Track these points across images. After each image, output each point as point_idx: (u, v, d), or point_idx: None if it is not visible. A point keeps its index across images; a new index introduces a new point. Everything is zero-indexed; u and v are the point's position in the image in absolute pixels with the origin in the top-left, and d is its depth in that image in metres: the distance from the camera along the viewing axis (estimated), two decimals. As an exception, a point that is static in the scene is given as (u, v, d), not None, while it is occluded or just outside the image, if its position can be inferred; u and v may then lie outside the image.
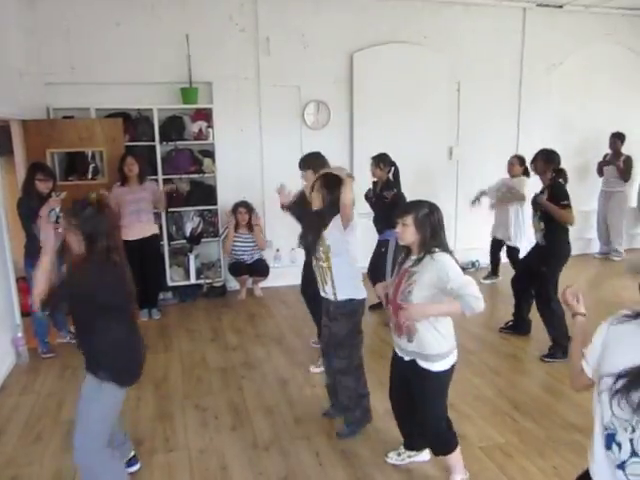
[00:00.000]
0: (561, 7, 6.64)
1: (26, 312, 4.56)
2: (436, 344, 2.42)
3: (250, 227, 5.74)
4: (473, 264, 6.81)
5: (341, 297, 3.01)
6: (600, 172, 7.17)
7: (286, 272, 6.04)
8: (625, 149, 7.00)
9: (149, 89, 5.55)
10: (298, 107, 6.03)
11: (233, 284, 6.02)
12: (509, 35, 6.65)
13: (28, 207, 4.09)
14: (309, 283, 3.53)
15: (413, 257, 2.46)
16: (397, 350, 2.61)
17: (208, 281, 5.92)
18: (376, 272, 4.74)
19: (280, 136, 6.01)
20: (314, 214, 3.11)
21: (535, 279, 4.23)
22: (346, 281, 3.03)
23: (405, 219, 2.42)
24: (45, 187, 4.14)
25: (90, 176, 5.33)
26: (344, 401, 3.13)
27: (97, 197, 2.34)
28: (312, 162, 3.94)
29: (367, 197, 5.05)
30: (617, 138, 6.94)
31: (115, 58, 5.37)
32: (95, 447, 2.37)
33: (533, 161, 4.37)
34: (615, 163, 6.95)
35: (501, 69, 6.68)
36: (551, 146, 6.87)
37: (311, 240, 3.10)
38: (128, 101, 5.46)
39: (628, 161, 6.94)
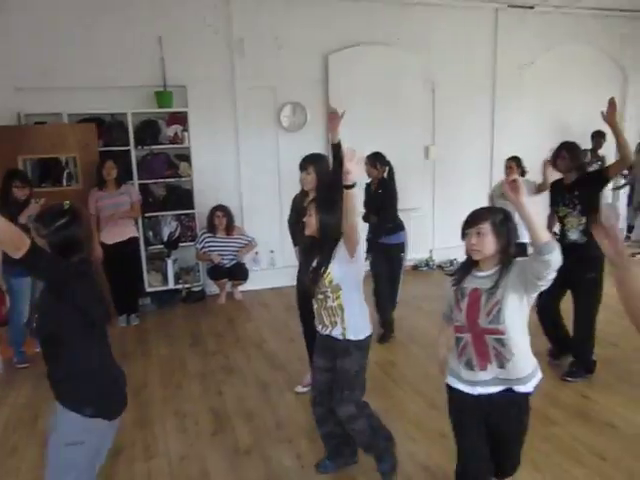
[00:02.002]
0: (532, 8, 6.74)
1: (1, 322, 4.48)
2: (529, 361, 2.19)
3: (228, 231, 5.71)
4: (451, 262, 6.86)
5: (352, 337, 2.56)
6: None
7: (265, 275, 6.04)
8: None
9: (123, 93, 5.49)
10: (274, 109, 6.02)
11: (212, 288, 5.98)
12: (481, 35, 6.73)
13: (6, 214, 4.01)
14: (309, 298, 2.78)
15: (484, 272, 2.14)
16: (465, 387, 2.21)
17: (187, 286, 5.87)
18: (385, 284, 4.51)
19: (256, 138, 6.00)
20: (310, 246, 2.66)
21: (562, 293, 3.77)
22: (359, 318, 2.59)
23: (481, 227, 2.10)
24: (22, 194, 4.09)
25: (64, 183, 5.25)
26: (364, 443, 2.69)
27: (71, 206, 2.14)
28: (316, 160, 3.54)
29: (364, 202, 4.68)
30: (601, 137, 7.05)
31: (87, 62, 5.30)
32: None
33: (557, 157, 3.78)
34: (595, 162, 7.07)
35: (475, 69, 6.76)
36: (525, 145, 7.04)
37: (311, 283, 2.58)
38: (101, 106, 5.40)
39: (603, 162, 7.11)
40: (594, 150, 7.16)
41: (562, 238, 3.66)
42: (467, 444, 2.23)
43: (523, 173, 5.31)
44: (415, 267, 6.77)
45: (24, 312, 4.24)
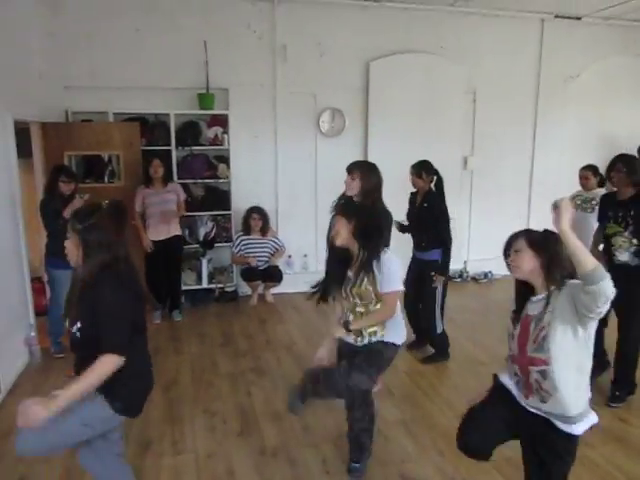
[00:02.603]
0: (579, 19, 6.61)
1: (40, 312, 4.62)
2: (579, 401, 2.02)
3: (263, 232, 5.76)
4: (486, 275, 6.77)
5: (386, 339, 2.66)
6: None
7: (298, 278, 6.05)
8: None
9: (166, 94, 5.61)
10: (313, 114, 6.05)
11: (245, 289, 6.04)
12: (526, 46, 6.62)
13: (51, 208, 4.16)
14: None
15: (536, 297, 2.06)
16: (514, 392, 2.16)
17: (220, 286, 5.94)
18: (419, 301, 4.30)
19: (295, 143, 6.04)
20: (344, 257, 2.71)
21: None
22: (393, 326, 2.70)
23: (517, 244, 2.07)
24: (68, 189, 4.22)
25: (107, 179, 5.39)
26: (358, 430, 2.78)
27: (109, 205, 2.19)
28: (363, 168, 3.62)
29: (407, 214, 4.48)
30: None
31: (134, 63, 5.44)
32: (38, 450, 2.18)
33: (611, 169, 3.51)
34: None
35: (518, 80, 6.66)
36: (568, 159, 6.88)
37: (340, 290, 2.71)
38: (145, 106, 5.53)
39: None
40: None
41: (609, 257, 3.46)
42: (480, 413, 2.22)
43: (602, 183, 4.86)
44: (449, 278, 6.69)
45: (63, 304, 4.36)
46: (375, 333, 2.65)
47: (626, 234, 3.39)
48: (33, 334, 4.37)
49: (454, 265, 6.69)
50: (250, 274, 5.75)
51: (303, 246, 6.23)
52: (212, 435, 3.25)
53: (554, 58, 6.67)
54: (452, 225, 6.61)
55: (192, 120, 5.69)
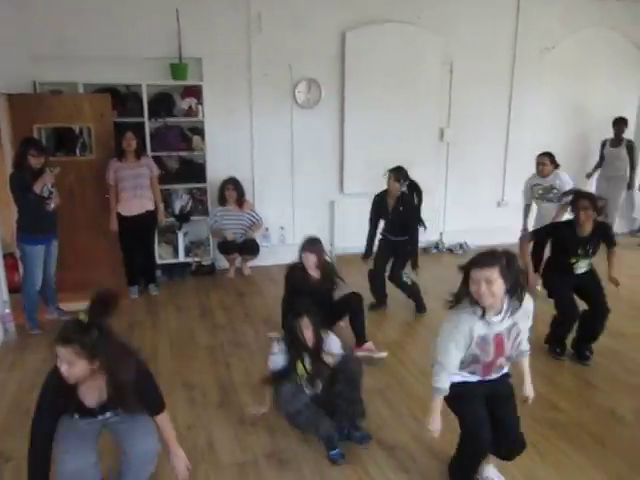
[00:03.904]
0: (556, -11, 6.60)
1: (13, 288, 4.56)
2: None
3: (240, 204, 5.73)
4: (461, 246, 6.86)
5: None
6: (602, 157, 7.16)
7: (275, 251, 6.07)
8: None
9: (138, 64, 5.46)
10: (289, 85, 5.98)
11: (222, 263, 6.03)
12: (503, 17, 6.59)
13: (21, 182, 4.07)
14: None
15: (498, 317, 2.22)
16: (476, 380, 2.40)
17: (197, 259, 5.92)
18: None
19: (271, 114, 5.97)
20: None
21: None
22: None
23: (488, 274, 2.11)
24: (37, 162, 4.12)
25: (78, 152, 5.28)
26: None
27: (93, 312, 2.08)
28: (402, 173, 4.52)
29: (382, 212, 4.77)
30: (623, 123, 6.96)
31: (104, 32, 5.27)
32: None
33: (577, 207, 3.67)
34: (616, 146, 7.02)
35: (494, 51, 6.65)
36: (543, 131, 6.95)
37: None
38: (116, 76, 5.38)
39: (630, 145, 7.04)
40: (616, 136, 7.06)
41: (567, 269, 3.80)
42: (475, 410, 2.37)
43: (557, 167, 5.08)
44: (425, 249, 6.77)
45: (38, 280, 4.32)
46: None
47: (588, 260, 3.80)
48: (7, 311, 4.32)
49: (430, 237, 6.81)
50: (227, 247, 5.74)
51: (280, 219, 6.22)
52: (192, 407, 3.28)
53: (530, 29, 6.67)
54: (428, 196, 6.74)
55: (165, 91, 5.57)
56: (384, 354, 3.89)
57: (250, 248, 5.78)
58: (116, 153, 5.04)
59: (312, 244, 3.85)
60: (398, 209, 4.67)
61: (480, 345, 2.24)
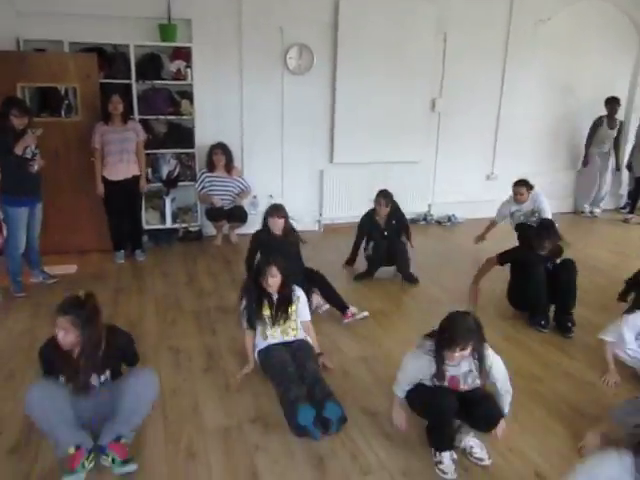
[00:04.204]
0: (553, -41, 6.49)
1: (-2, 250, 4.51)
2: None
3: (228, 170, 5.68)
4: (449, 218, 6.89)
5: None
6: (592, 134, 7.18)
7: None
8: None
9: (126, 24, 5.31)
10: (280, 50, 5.86)
11: (209, 229, 6.00)
12: (499, -15, 6.50)
13: (2, 143, 3.98)
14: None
15: (460, 366, 2.53)
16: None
17: (184, 225, 5.88)
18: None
19: (261, 79, 5.87)
20: None
21: None
22: None
23: (465, 345, 2.41)
24: (20, 123, 4.02)
25: (63, 114, 5.16)
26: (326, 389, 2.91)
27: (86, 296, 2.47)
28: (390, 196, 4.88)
29: (372, 230, 4.93)
30: (616, 103, 6.97)
31: (90, -12, 5.11)
32: None
33: (541, 239, 3.94)
34: (613, 127, 7.11)
35: (489, 21, 6.57)
36: (535, 104, 6.93)
37: None
38: (103, 36, 5.22)
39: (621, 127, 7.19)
40: (610, 116, 7.07)
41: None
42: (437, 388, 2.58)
43: (531, 189, 5.14)
44: (413, 221, 6.79)
45: (21, 242, 4.27)
46: None
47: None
48: (-9, 273, 4.28)
49: (419, 208, 6.82)
50: (215, 214, 5.70)
51: (268, 186, 6.18)
52: (177, 371, 3.30)
53: (526, 0, 6.57)
54: (417, 167, 6.71)
55: (153, 52, 5.43)
56: (366, 313, 4.03)
57: (238, 215, 5.75)
58: (102, 116, 4.94)
59: (279, 209, 4.13)
60: (391, 223, 4.94)
61: (435, 379, 2.57)
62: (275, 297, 3.23)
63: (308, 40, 5.90)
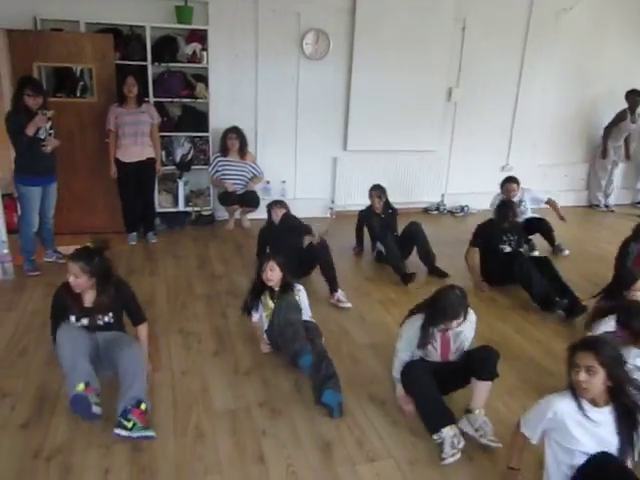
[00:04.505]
0: (577, -53, 6.35)
1: (12, 229, 4.54)
2: None
3: (242, 155, 5.67)
4: (462, 209, 6.84)
5: None
6: (613, 126, 7.07)
7: (275, 205, 6.02)
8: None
9: (142, 5, 5.29)
10: (297, 35, 5.81)
11: (221, 213, 6.01)
12: (521, -27, 6.38)
13: (16, 122, 3.99)
14: None
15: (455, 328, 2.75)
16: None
17: (197, 209, 5.90)
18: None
19: (276, 64, 5.84)
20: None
21: None
22: None
23: (459, 318, 2.72)
24: (34, 103, 4.02)
25: (79, 94, 5.17)
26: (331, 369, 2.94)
27: (98, 245, 2.86)
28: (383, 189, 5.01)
29: (371, 222, 5.01)
30: (637, 95, 6.86)
31: (107, -32, 5.09)
32: None
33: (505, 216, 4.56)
34: (634, 121, 7.01)
35: (509, 10, 6.46)
36: (552, 96, 6.83)
37: None
38: (119, 16, 5.20)
39: None
40: (632, 109, 6.95)
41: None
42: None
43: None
44: (425, 210, 6.75)
45: (34, 221, 4.30)
46: None
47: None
48: (5, 251, 4.31)
49: (432, 198, 6.78)
50: (228, 198, 5.71)
51: (282, 172, 6.17)
52: (187, 354, 3.32)
53: (548, -12, 6.46)
54: (432, 157, 6.68)
55: (169, 35, 5.42)
56: (349, 304, 4.06)
57: (250, 200, 5.75)
58: (117, 98, 4.95)
59: (281, 202, 4.57)
60: (388, 212, 5.08)
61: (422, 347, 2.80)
62: (277, 290, 3.29)
63: (325, 26, 5.84)
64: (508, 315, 4.08)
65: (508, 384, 3.08)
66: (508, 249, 4.51)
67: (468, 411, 2.67)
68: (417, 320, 2.81)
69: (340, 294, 4.10)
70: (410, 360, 2.82)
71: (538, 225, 5.34)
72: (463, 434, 2.56)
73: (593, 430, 2.04)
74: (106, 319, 2.87)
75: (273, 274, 3.25)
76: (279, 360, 3.28)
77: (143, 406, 2.54)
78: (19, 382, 2.94)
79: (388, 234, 4.79)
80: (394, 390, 2.94)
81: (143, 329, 3.03)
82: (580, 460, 2.03)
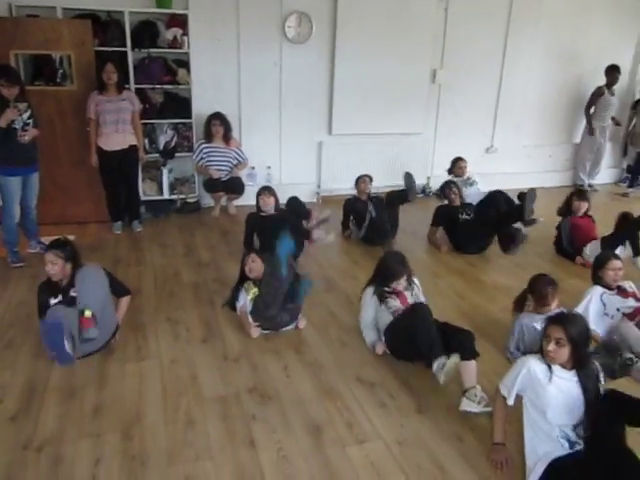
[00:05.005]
0: None
1: (-7, 221, 4.48)
2: None
3: (226, 141, 5.62)
4: (448, 191, 6.85)
5: None
6: (592, 104, 7.09)
7: (261, 191, 6.00)
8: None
9: (120, -11, 5.19)
10: (279, 18, 5.75)
11: (207, 200, 5.98)
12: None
13: None
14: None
15: (404, 284, 3.26)
16: None
17: (182, 196, 5.85)
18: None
19: (259, 49, 5.77)
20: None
21: None
22: None
23: (404, 276, 3.24)
24: (9, 93, 3.95)
25: (58, 82, 5.08)
26: None
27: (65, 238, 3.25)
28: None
29: (360, 209, 5.07)
30: (616, 71, 6.87)
31: (83, -48, 4.98)
32: None
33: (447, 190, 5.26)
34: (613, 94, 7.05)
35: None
36: (536, 76, 6.84)
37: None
38: (96, 1, 5.10)
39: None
40: (609, 85, 6.97)
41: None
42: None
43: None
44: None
45: (15, 212, 4.25)
46: None
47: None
48: (-12, 243, 4.26)
49: (418, 181, 6.77)
50: (213, 185, 5.67)
51: (266, 157, 6.13)
52: (175, 342, 3.32)
53: (530, -34, 6.44)
54: (417, 139, 6.68)
55: (149, 19, 5.32)
56: (331, 238, 4.56)
57: (235, 187, 5.72)
58: (97, 85, 4.87)
59: (269, 189, 4.60)
60: (372, 200, 5.14)
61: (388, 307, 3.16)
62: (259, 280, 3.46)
63: (307, 8, 5.78)
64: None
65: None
66: (466, 217, 4.97)
67: (464, 392, 2.71)
68: (369, 288, 3.29)
69: (318, 232, 4.45)
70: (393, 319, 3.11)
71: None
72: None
73: (561, 386, 2.23)
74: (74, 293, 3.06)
75: (255, 265, 3.43)
76: (268, 345, 3.30)
77: (88, 312, 2.91)
78: (6, 374, 2.93)
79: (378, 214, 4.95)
80: (384, 372, 2.98)
81: (124, 300, 3.36)
82: (552, 417, 2.20)
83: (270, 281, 3.28)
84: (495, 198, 4.90)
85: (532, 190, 4.67)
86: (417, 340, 2.81)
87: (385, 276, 3.22)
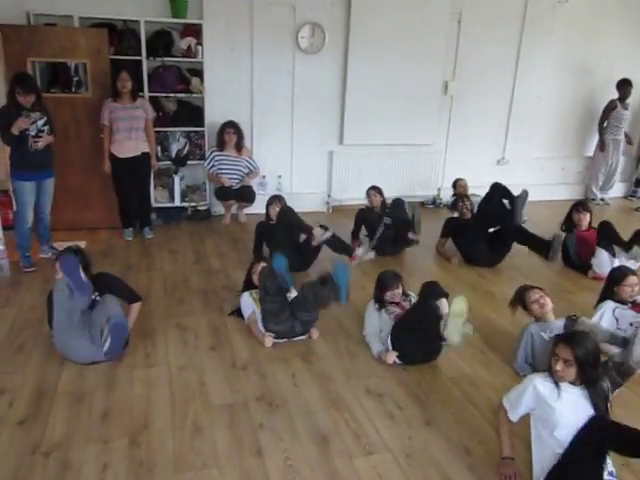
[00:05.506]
0: (573, -62, 6.33)
1: (7, 225, 4.53)
2: None
3: (238, 149, 5.66)
4: (458, 202, 6.83)
5: None
6: (605, 117, 7.06)
7: (272, 200, 6.02)
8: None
9: (136, -1, 5.27)
10: (292, 29, 5.79)
11: (218, 208, 6.00)
12: (516, -35, 6.36)
13: (3, 118, 3.98)
14: None
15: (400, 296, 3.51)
16: None
17: (193, 204, 5.89)
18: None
19: (272, 59, 5.82)
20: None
21: None
22: None
23: (399, 287, 3.51)
24: (25, 101, 4.02)
25: (73, 89, 5.15)
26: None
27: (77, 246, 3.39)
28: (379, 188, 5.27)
29: (373, 220, 5.09)
30: (628, 85, 6.86)
31: (101, -38, 5.06)
32: None
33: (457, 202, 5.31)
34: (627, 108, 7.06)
35: (505, 2, 6.44)
36: (549, 87, 6.83)
37: None
38: (113, 10, 5.18)
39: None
40: (622, 99, 6.95)
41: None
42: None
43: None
44: (422, 204, 6.75)
45: (28, 217, 4.30)
46: None
47: None
48: (1, 247, 4.30)
49: (428, 192, 6.79)
50: (224, 193, 5.70)
51: (278, 167, 6.16)
52: (184, 349, 3.33)
53: (544, -20, 6.45)
54: (428, 150, 6.67)
55: (164, 29, 5.39)
56: (371, 255, 4.86)
57: (246, 195, 5.74)
58: (112, 93, 4.93)
59: (279, 199, 4.71)
60: (385, 210, 5.15)
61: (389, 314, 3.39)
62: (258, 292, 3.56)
63: (320, 19, 5.82)
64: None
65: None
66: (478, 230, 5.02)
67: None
68: (371, 302, 3.53)
69: (358, 250, 4.69)
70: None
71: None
72: None
73: (570, 402, 2.20)
74: (93, 296, 3.13)
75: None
76: (277, 354, 3.29)
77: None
78: (16, 378, 2.95)
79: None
80: (392, 383, 2.96)
81: (135, 306, 3.40)
82: (560, 434, 2.15)
83: (267, 285, 3.34)
84: (496, 188, 5.24)
85: (524, 192, 5.01)
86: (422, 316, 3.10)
87: (381, 286, 3.48)
